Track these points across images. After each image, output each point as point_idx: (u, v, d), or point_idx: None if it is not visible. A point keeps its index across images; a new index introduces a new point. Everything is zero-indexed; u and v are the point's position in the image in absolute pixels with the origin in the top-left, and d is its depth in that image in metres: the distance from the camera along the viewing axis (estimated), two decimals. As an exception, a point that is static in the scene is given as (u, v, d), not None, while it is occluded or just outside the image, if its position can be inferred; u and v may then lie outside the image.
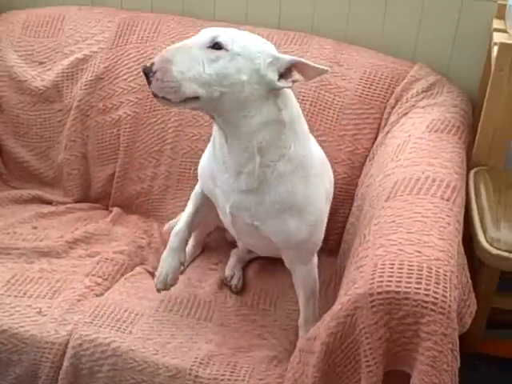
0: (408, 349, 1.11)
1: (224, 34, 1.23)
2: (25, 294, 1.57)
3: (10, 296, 1.55)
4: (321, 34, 1.96)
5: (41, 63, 2.06)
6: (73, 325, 1.47)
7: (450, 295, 1.11)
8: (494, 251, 1.34)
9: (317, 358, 1.19)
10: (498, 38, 1.63)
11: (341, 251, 1.61)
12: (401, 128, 1.68)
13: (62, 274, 1.65)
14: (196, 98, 1.23)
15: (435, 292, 1.10)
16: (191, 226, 1.53)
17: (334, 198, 1.77)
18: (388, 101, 1.80)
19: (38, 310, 1.51)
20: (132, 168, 1.97)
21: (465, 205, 1.42)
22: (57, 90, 2.03)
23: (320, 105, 1.83)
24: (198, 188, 1.54)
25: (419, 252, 1.18)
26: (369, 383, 1.12)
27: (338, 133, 1.80)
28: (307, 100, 1.84)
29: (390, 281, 1.13)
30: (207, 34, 1.25)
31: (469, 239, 1.41)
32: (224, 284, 1.67)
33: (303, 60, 1.26)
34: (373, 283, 1.14)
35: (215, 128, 1.34)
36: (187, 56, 1.21)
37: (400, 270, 1.14)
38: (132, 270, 1.71)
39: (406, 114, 1.73)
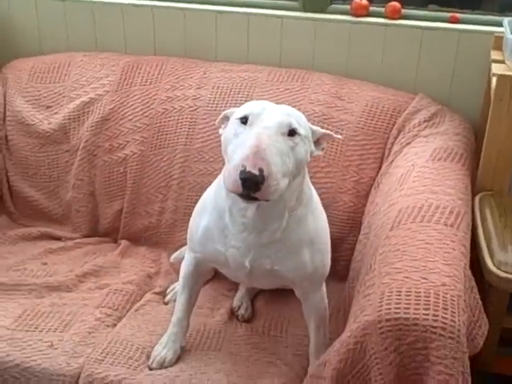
0: (419, 373, 1.12)
1: (293, 120, 1.24)
2: (36, 328, 1.58)
3: (21, 331, 1.57)
4: (321, 70, 2.01)
5: (48, 107, 2.12)
6: (84, 357, 1.48)
7: (459, 319, 1.12)
8: (502, 274, 1.35)
9: (328, 384, 1.19)
10: (496, 69, 1.67)
11: (349, 278, 1.62)
12: (404, 157, 1.71)
13: (73, 308, 1.67)
14: None
15: (444, 317, 1.12)
16: (189, 311, 1.54)
17: (342, 226, 1.82)
18: (390, 131, 1.83)
19: (49, 343, 1.52)
20: (140, 203, 2.00)
21: (472, 230, 1.44)
22: (64, 132, 2.08)
23: (324, 138, 1.86)
24: (187, 267, 1.52)
25: (425, 279, 1.19)
26: (381, 408, 1.12)
27: (343, 163, 1.84)
28: (310, 132, 1.87)
29: (398, 308, 1.14)
30: (280, 119, 1.22)
31: (477, 262, 1.42)
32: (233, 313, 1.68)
33: (331, 133, 1.38)
34: (381, 310, 1.15)
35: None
36: (276, 150, 1.17)
37: (407, 297, 1.16)
38: (141, 299, 1.73)
39: (409, 143, 1.76)
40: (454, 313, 1.12)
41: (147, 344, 1.53)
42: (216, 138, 1.88)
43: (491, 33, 1.86)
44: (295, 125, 1.23)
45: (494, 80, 1.62)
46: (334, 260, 1.81)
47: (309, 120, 1.84)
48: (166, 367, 1.47)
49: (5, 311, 1.64)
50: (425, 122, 1.81)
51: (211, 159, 1.92)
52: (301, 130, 1.24)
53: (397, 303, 1.15)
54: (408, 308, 1.13)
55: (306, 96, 1.92)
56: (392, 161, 1.76)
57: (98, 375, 1.43)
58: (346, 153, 1.84)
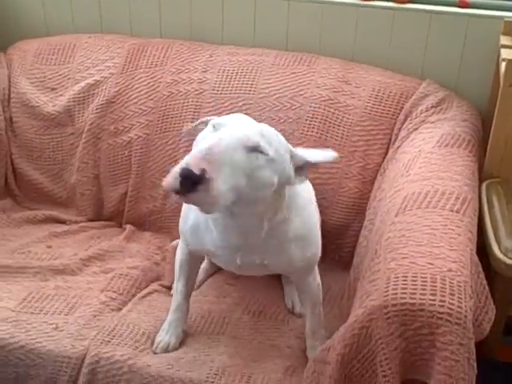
0: (424, 358, 1.11)
1: (262, 139, 1.15)
2: (41, 310, 1.58)
3: (26, 313, 1.56)
4: (328, 54, 1.99)
5: (52, 89, 2.11)
6: (90, 340, 1.48)
7: (466, 305, 1.12)
8: (509, 261, 1.35)
9: (332, 369, 1.19)
10: (505, 54, 1.65)
11: (354, 264, 1.62)
12: (411, 143, 1.70)
13: (78, 291, 1.67)
14: None
15: (450, 303, 1.11)
16: (188, 297, 1.53)
17: (347, 212, 1.81)
18: (397, 117, 1.82)
19: (54, 325, 1.52)
20: (144, 187, 1.99)
21: (478, 217, 1.43)
22: (69, 115, 2.07)
23: (330, 122, 1.85)
24: (182, 255, 1.52)
25: (431, 264, 1.19)
26: (386, 393, 1.12)
27: (349, 149, 1.82)
28: (317, 118, 1.86)
29: (405, 293, 1.14)
30: (247, 132, 1.15)
31: (484, 249, 1.42)
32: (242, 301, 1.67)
33: (316, 161, 1.25)
34: (387, 295, 1.15)
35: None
36: (230, 165, 1.09)
37: (414, 282, 1.15)
38: (147, 286, 1.72)
39: (416, 129, 1.75)
40: (461, 299, 1.12)
41: (153, 329, 1.53)
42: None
43: (501, 18, 1.84)
44: (262, 143, 1.13)
45: (503, 65, 1.60)
46: (338, 246, 1.84)
47: (315, 105, 1.88)
48: (170, 352, 1.48)
49: (9, 293, 1.64)
50: (432, 107, 1.80)
51: (215, 143, 1.91)
52: (269, 151, 1.14)
53: (403, 288, 1.14)
54: (414, 293, 1.13)
55: (312, 80, 1.91)
56: (398, 146, 1.75)
57: (104, 355, 1.44)
58: (351, 138, 1.83)
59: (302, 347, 1.49)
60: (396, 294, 1.14)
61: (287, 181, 1.23)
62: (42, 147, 2.09)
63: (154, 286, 1.73)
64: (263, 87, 1.93)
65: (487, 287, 1.28)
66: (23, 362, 1.46)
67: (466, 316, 1.10)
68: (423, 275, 1.16)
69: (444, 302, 1.11)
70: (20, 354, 1.47)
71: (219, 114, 1.88)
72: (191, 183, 1.06)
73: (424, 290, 1.13)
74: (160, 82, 2.01)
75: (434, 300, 1.11)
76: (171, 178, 1.07)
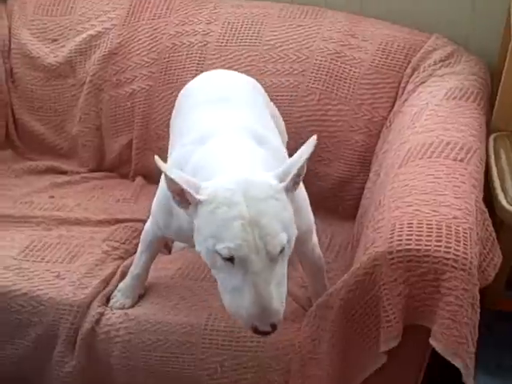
0: (428, 304, 1.11)
1: (283, 236, 1.08)
2: (43, 259, 1.58)
3: (28, 261, 1.56)
4: (334, 8, 1.95)
5: (54, 40, 2.08)
6: (92, 288, 1.48)
7: (471, 251, 1.12)
8: (515, 211, 1.34)
9: (335, 314, 1.20)
10: (516, 6, 1.62)
11: (358, 215, 1.61)
12: (418, 96, 1.68)
13: (80, 240, 1.66)
14: None
15: (456, 249, 1.11)
16: (149, 267, 1.50)
17: (352, 165, 1.79)
18: (405, 70, 1.79)
19: (56, 273, 1.53)
20: (150, 139, 1.98)
21: (486, 169, 1.42)
22: (70, 66, 2.05)
23: (336, 75, 1.83)
24: (152, 236, 1.45)
25: (436, 211, 1.18)
26: (388, 338, 1.13)
27: (355, 102, 1.80)
28: (323, 70, 1.84)
29: (410, 239, 1.14)
30: (270, 253, 1.06)
31: (491, 202, 1.41)
32: None
33: (303, 165, 1.12)
34: (392, 242, 1.15)
35: None
36: (277, 290, 1.07)
37: (419, 229, 1.15)
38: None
39: (424, 82, 1.72)
40: (467, 245, 1.11)
41: (153, 280, 1.52)
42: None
43: (513, -31, 1.80)
44: (284, 241, 1.08)
45: (514, 17, 1.57)
46: (342, 199, 1.83)
47: (322, 57, 1.85)
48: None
49: (12, 242, 1.64)
50: (440, 61, 1.77)
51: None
52: (292, 235, 1.11)
53: (408, 235, 1.14)
54: (420, 240, 1.12)
55: (318, 33, 1.88)
56: (405, 100, 1.72)
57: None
58: (358, 91, 1.81)
59: (305, 296, 1.48)
60: (401, 240, 1.13)
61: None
62: (43, 98, 2.07)
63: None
64: (268, 39, 1.89)
65: (494, 234, 1.28)
66: (25, 309, 1.47)
67: (471, 262, 1.10)
68: (428, 222, 1.15)
69: (449, 248, 1.10)
70: (22, 301, 1.47)
71: (223, 66, 1.88)
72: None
73: (429, 236, 1.13)
74: (163, 34, 1.97)
75: (440, 246, 1.11)
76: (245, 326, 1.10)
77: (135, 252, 1.62)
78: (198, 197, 1.08)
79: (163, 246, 1.61)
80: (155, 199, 1.38)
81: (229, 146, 1.23)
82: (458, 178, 1.27)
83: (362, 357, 1.20)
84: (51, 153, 2.08)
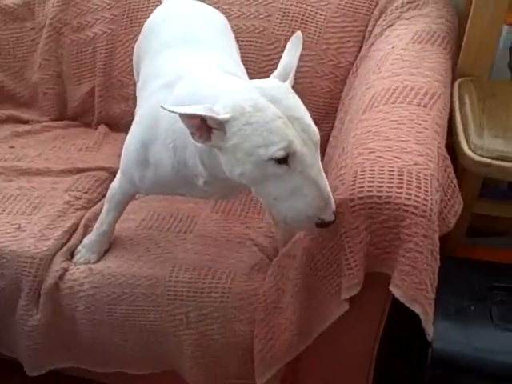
0: (389, 251, 1.11)
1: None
2: (3, 211, 1.56)
3: (-12, 214, 1.53)
4: None
5: (10, -20, 1.99)
6: (54, 240, 1.46)
7: (431, 198, 1.11)
8: (477, 158, 1.33)
9: (299, 262, 1.19)
10: None
11: (323, 163, 1.56)
12: (385, 40, 1.64)
13: (42, 191, 1.63)
14: None
15: (416, 196, 1.10)
16: (115, 223, 1.47)
17: (318, 111, 1.76)
18: (372, 13, 1.75)
19: (17, 226, 1.50)
20: (113, 86, 1.92)
21: (449, 115, 1.40)
22: (28, 8, 1.98)
23: (302, 19, 1.78)
24: (121, 194, 1.41)
25: (398, 158, 1.16)
26: (350, 285, 1.13)
27: (321, 47, 1.76)
28: (288, 14, 1.78)
29: (371, 186, 1.12)
30: (316, 144, 1.09)
31: (454, 149, 1.41)
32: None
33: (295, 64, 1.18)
34: (353, 189, 1.13)
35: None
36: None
37: (380, 176, 1.13)
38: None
39: (391, 26, 1.68)
40: (427, 192, 1.10)
41: (116, 232, 1.50)
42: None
43: None
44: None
45: (482, -44, 1.53)
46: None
47: (287, 1, 1.79)
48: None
49: (-30, 193, 1.60)
50: (408, 3, 1.72)
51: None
52: None
53: (369, 182, 1.12)
54: (381, 187, 1.11)
55: (286, -26, 1.82)
56: (372, 44, 1.68)
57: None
58: (324, 35, 1.76)
59: (271, 246, 1.48)
60: (362, 187, 1.12)
61: None
62: (1, 43, 2.00)
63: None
64: (234, -21, 1.83)
65: (455, 180, 1.27)
66: None
67: (431, 209, 1.09)
68: (390, 169, 1.14)
69: (410, 195, 1.10)
70: None
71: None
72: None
73: (391, 183, 1.11)
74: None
75: (401, 193, 1.10)
76: (305, 228, 1.12)
77: (98, 201, 1.62)
78: (223, 116, 1.03)
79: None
80: (124, 155, 1.34)
81: (210, 76, 1.20)
82: (420, 124, 1.25)
83: (325, 305, 1.20)
84: (11, 101, 2.02)
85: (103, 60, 1.91)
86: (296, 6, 1.79)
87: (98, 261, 1.45)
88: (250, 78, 1.64)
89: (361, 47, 1.74)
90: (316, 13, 1.77)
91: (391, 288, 1.10)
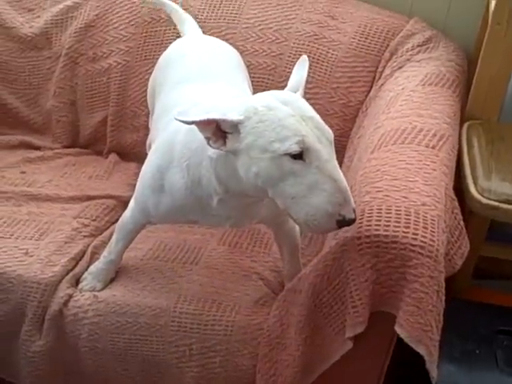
0: (394, 291, 1.12)
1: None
2: (12, 235, 1.56)
3: (-4, 237, 1.55)
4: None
5: (30, 10, 2.04)
6: (60, 267, 1.47)
7: (438, 239, 1.12)
8: (484, 200, 1.35)
9: (304, 298, 1.20)
10: (495, -8, 1.61)
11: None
12: (395, 81, 1.67)
13: (50, 217, 1.64)
14: None
15: (423, 236, 1.11)
16: (123, 253, 1.48)
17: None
18: (383, 54, 1.78)
19: (24, 250, 1.51)
20: (125, 116, 1.95)
21: (458, 158, 1.42)
22: (46, 37, 2.01)
23: (313, 57, 1.81)
24: (132, 224, 1.43)
25: (406, 197, 1.18)
26: (354, 323, 1.13)
27: (331, 85, 1.79)
28: (300, 53, 1.80)
29: (378, 225, 1.14)
30: (330, 139, 1.11)
31: (462, 192, 1.42)
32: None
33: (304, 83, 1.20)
34: (361, 227, 1.14)
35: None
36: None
37: (388, 215, 1.15)
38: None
39: (401, 67, 1.72)
40: (434, 232, 1.12)
41: (123, 261, 1.51)
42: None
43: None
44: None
45: (492, 3, 1.56)
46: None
47: (300, 40, 1.82)
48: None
49: (-21, 217, 1.62)
50: (418, 46, 1.76)
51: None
52: None
53: (377, 220, 1.14)
54: (388, 226, 1.12)
55: (298, 14, 1.86)
56: (382, 84, 1.72)
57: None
58: (335, 74, 1.79)
59: (277, 280, 1.48)
60: (370, 225, 1.14)
61: None
62: (17, 70, 2.03)
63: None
64: (248, 17, 1.87)
65: (462, 222, 1.28)
66: None
67: (437, 249, 1.10)
68: (397, 208, 1.15)
69: (417, 235, 1.11)
70: None
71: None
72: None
73: (398, 222, 1.13)
74: (142, 7, 1.94)
75: (407, 233, 1.11)
76: (326, 228, 1.07)
77: (106, 229, 1.63)
78: (237, 117, 1.05)
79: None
80: (140, 182, 1.35)
81: (224, 99, 1.23)
82: (429, 165, 1.27)
83: (329, 342, 1.20)
84: (24, 127, 2.04)
85: (117, 90, 1.94)
86: (308, 46, 1.83)
87: (103, 289, 1.45)
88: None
89: (371, 87, 1.77)
90: (328, 52, 1.80)
91: (396, 328, 1.11)
